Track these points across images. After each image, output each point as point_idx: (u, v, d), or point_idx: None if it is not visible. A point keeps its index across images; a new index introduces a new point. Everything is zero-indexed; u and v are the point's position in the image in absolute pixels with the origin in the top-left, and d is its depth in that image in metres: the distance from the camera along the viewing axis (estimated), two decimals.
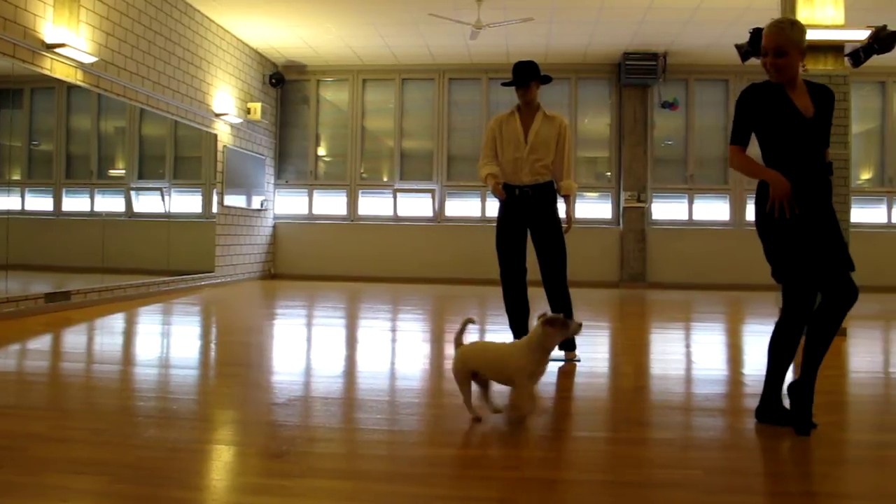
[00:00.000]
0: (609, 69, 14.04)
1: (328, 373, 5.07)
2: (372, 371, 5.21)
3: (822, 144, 3.62)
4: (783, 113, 3.58)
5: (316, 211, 14.52)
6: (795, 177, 3.53)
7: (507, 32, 11.68)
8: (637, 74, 13.35)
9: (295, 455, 3.05)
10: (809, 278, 3.53)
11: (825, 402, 4.52)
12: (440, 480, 2.80)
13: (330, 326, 7.91)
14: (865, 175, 14.50)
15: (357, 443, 3.37)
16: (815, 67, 7.41)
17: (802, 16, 7.33)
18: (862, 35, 7.41)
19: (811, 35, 7.24)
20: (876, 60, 8.07)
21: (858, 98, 14.10)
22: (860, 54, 7.58)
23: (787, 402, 3.69)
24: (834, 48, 7.47)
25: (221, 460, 3.09)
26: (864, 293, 10.44)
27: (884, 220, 14.23)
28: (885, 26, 7.41)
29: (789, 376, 3.84)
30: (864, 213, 14.13)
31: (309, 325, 8.10)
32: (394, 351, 6.28)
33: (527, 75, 5.32)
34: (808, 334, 3.58)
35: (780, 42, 3.56)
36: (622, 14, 11.20)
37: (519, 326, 5.46)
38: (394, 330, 7.63)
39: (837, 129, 7.47)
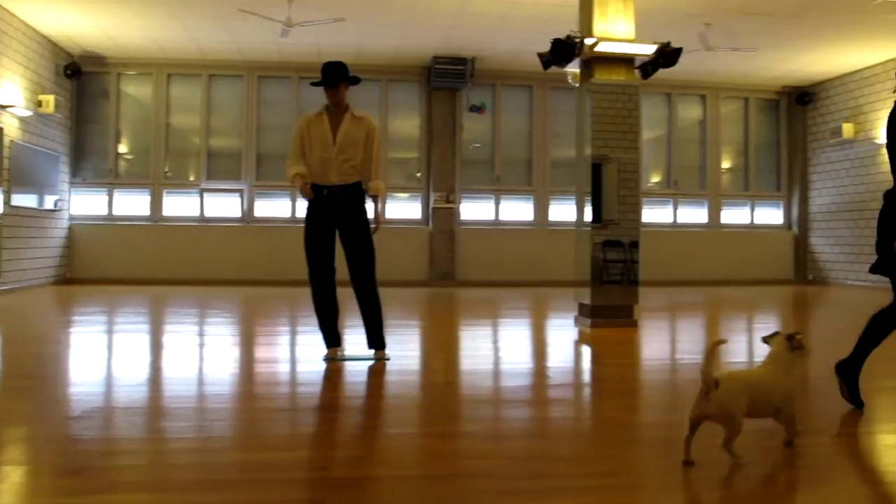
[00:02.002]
0: (419, 72, 14.27)
1: (130, 381, 4.81)
2: (178, 378, 5.03)
3: None
4: None
5: (116, 211, 13.74)
6: None
7: (319, 32, 11.60)
8: (446, 78, 13.66)
9: (92, 470, 2.89)
10: None
11: (618, 389, 4.85)
12: (248, 486, 2.76)
13: (133, 333, 7.52)
14: (655, 178, 15.61)
15: (162, 453, 3.25)
16: (609, 78, 7.91)
17: (598, 29, 7.80)
18: (650, 50, 7.99)
19: (605, 48, 7.77)
20: (663, 73, 8.71)
21: (648, 107, 15.13)
22: (648, 67, 8.17)
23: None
24: (625, 60, 8.00)
25: (9, 482, 2.85)
26: (652, 287, 11.20)
27: (670, 220, 15.40)
28: (668, 43, 8.03)
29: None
30: (652, 214, 15.22)
31: (109, 332, 7.67)
32: (201, 356, 6.09)
33: (336, 76, 5.32)
34: (874, 324, 4.03)
35: None
36: (432, 19, 11.43)
37: (328, 328, 5.44)
38: (201, 334, 7.40)
39: (629, 136, 8.01)
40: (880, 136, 13.58)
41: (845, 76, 14.60)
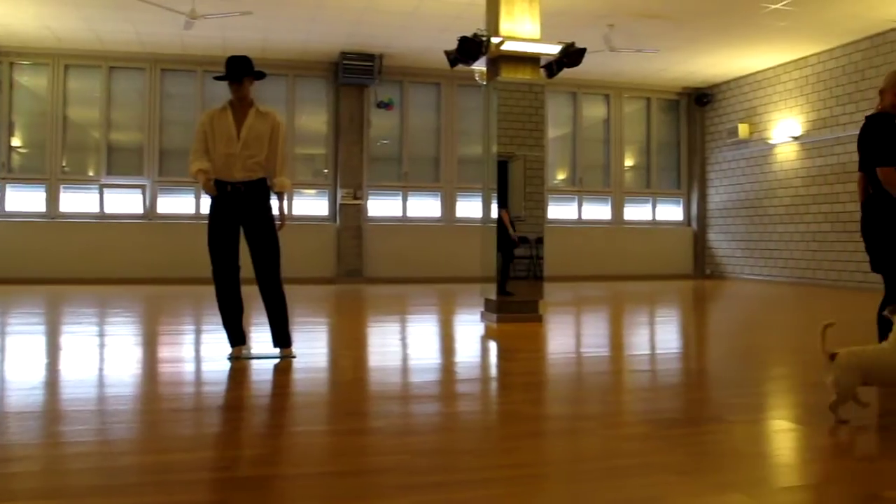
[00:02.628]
0: (327, 68, 14.16)
1: (24, 385, 4.62)
2: (76, 380, 4.87)
3: None
4: None
5: (9, 207, 13.14)
6: None
7: (224, 25, 11.38)
8: (354, 74, 13.60)
9: None
10: None
11: (524, 382, 4.94)
12: (149, 489, 2.70)
13: (27, 334, 7.22)
14: (560, 176, 15.92)
15: (59, 458, 3.14)
16: (515, 76, 8.02)
17: (504, 28, 7.89)
18: (554, 49, 8.14)
19: (511, 47, 7.88)
20: (568, 73, 8.90)
21: (554, 106, 15.43)
22: (553, 67, 8.33)
23: None
24: (531, 60, 8.13)
25: None
26: (557, 282, 11.44)
27: (575, 216, 15.74)
28: (573, 43, 8.19)
29: None
30: (558, 210, 15.54)
31: (1, 333, 7.36)
32: (101, 357, 5.92)
33: (240, 70, 5.24)
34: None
35: None
36: (339, 14, 11.35)
37: (233, 327, 5.36)
38: (102, 335, 7.18)
39: (534, 134, 8.16)
40: (773, 136, 14.21)
41: (740, 79, 15.19)
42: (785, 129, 13.90)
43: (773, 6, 10.66)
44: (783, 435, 3.59)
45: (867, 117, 4.63)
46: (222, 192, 5.23)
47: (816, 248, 13.26)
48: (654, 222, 16.41)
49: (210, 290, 5.33)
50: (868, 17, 11.28)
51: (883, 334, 4.20)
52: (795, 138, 13.71)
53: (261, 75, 5.42)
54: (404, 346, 6.73)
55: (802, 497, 2.69)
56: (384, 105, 14.38)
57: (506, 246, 8.12)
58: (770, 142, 14.31)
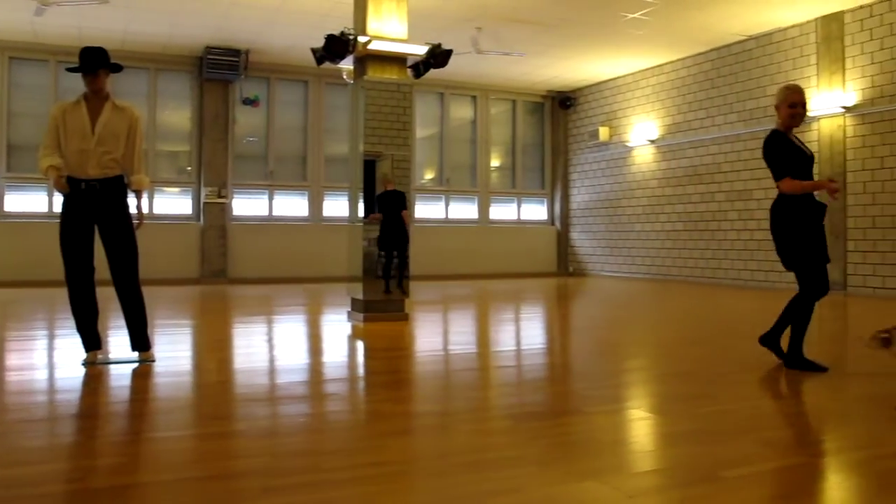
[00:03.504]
0: (191, 62, 13.75)
1: None
2: None
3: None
4: (796, 151, 4.93)
5: None
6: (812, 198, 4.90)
7: (80, 14, 10.85)
8: (219, 69, 13.27)
9: None
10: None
11: (390, 381, 4.97)
12: None
13: None
14: (428, 175, 16.05)
15: None
16: (382, 76, 8.04)
17: (372, 28, 7.89)
18: (422, 50, 8.20)
19: (378, 46, 7.89)
20: (436, 73, 8.99)
21: (422, 106, 15.56)
22: (420, 67, 8.39)
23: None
24: (398, 59, 8.16)
25: None
26: (424, 281, 11.54)
27: (442, 215, 15.91)
28: (440, 44, 8.28)
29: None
30: (426, 210, 15.68)
31: None
32: None
33: (95, 62, 5.02)
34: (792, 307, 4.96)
35: (803, 98, 4.94)
36: (205, 7, 11.02)
37: (87, 331, 5.13)
38: None
39: (402, 133, 8.20)
40: (631, 139, 14.83)
41: (602, 83, 15.77)
42: (642, 132, 14.54)
43: (631, 15, 11.12)
44: (637, 423, 3.77)
45: (768, 134, 5.15)
46: (75, 190, 4.99)
47: (671, 245, 13.93)
48: (519, 221, 16.81)
49: (63, 293, 5.09)
50: (717, 30, 11.96)
51: (782, 325, 4.97)
52: (652, 141, 14.36)
53: (118, 68, 5.22)
54: (270, 347, 6.62)
55: (651, 481, 2.83)
56: (250, 102, 14.09)
57: (396, 245, 8.23)
58: (628, 144, 14.93)
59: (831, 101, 11.03)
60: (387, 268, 8.20)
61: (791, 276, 5.08)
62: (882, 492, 2.73)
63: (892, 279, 10.35)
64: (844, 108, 10.90)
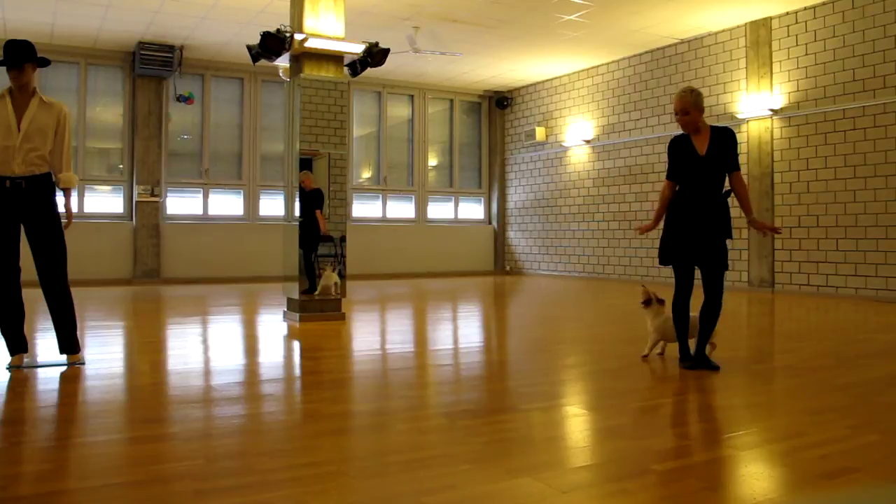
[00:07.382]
0: (123, 57, 13.45)
1: None
2: None
3: (717, 172, 4.98)
4: (686, 154, 5.03)
5: None
6: (692, 198, 5.00)
7: (4, 5, 10.52)
8: (152, 65, 13.00)
9: None
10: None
11: (326, 381, 4.94)
12: None
13: None
14: (365, 174, 16.00)
15: None
16: (318, 74, 7.98)
17: (308, 25, 7.83)
18: (358, 48, 8.17)
19: (315, 44, 7.83)
20: (374, 72, 8.97)
21: (360, 104, 15.51)
22: (357, 65, 8.35)
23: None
24: (335, 58, 8.12)
25: None
26: (361, 280, 11.49)
27: (379, 214, 15.88)
28: (377, 43, 8.26)
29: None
30: (363, 208, 15.64)
31: None
32: None
33: (20, 56, 4.89)
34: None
35: (684, 105, 4.97)
36: (138, 2, 10.78)
37: (13, 333, 4.98)
38: None
39: (339, 132, 8.16)
40: (567, 139, 15.01)
41: (538, 84, 15.93)
42: (578, 132, 14.72)
43: (567, 17, 11.26)
44: (572, 420, 3.82)
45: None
46: (0, 189, 4.85)
47: (605, 244, 14.15)
48: (456, 220, 16.87)
49: None
50: (650, 33, 12.18)
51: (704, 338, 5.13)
52: (587, 142, 14.55)
53: (44, 62, 5.09)
54: (205, 348, 6.52)
55: (585, 476, 2.88)
56: (184, 99, 13.85)
57: (312, 242, 8.14)
58: (564, 144, 15.11)
59: (759, 104, 11.35)
60: (308, 267, 8.11)
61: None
62: (804, 481, 2.83)
63: (816, 276, 10.69)
64: (772, 110, 11.22)
